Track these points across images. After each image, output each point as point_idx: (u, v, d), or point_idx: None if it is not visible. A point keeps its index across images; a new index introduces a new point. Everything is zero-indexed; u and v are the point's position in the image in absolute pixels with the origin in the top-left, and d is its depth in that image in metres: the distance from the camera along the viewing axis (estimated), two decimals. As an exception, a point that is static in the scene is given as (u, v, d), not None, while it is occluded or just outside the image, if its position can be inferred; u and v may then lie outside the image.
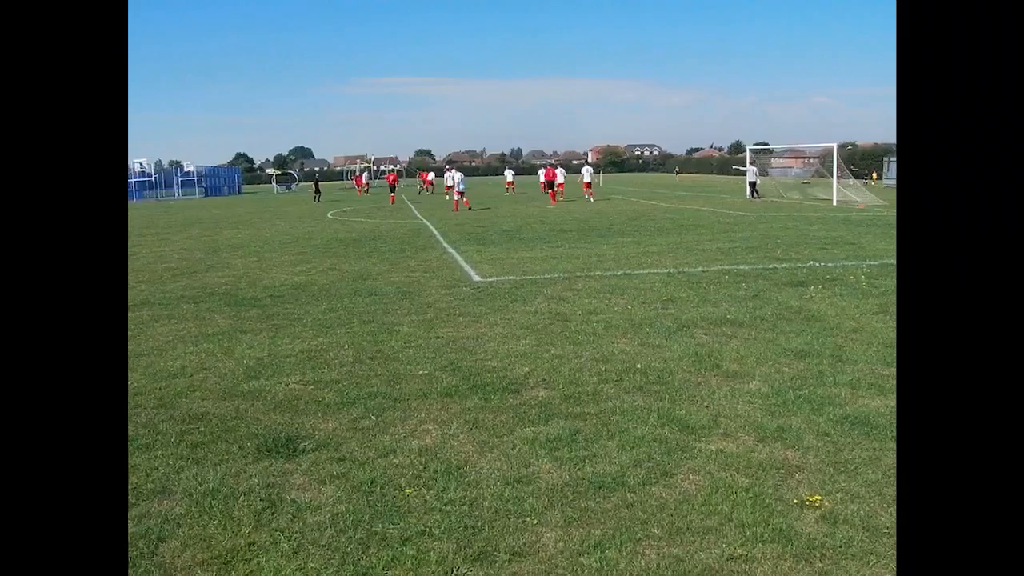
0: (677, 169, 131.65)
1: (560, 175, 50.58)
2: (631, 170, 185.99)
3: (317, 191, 61.83)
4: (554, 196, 48.04)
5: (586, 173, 52.36)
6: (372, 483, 5.84)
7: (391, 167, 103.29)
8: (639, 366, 8.73)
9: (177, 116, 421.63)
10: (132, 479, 6.09)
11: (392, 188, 55.52)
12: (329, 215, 41.35)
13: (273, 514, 5.42)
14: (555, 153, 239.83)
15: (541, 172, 58.49)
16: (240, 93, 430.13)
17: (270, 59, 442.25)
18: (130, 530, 5.25)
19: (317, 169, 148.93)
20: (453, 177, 44.78)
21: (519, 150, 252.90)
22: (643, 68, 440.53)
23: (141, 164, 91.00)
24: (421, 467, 6.12)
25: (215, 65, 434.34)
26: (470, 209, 40.81)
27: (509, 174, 67.98)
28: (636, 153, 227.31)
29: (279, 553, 4.90)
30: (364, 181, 79.16)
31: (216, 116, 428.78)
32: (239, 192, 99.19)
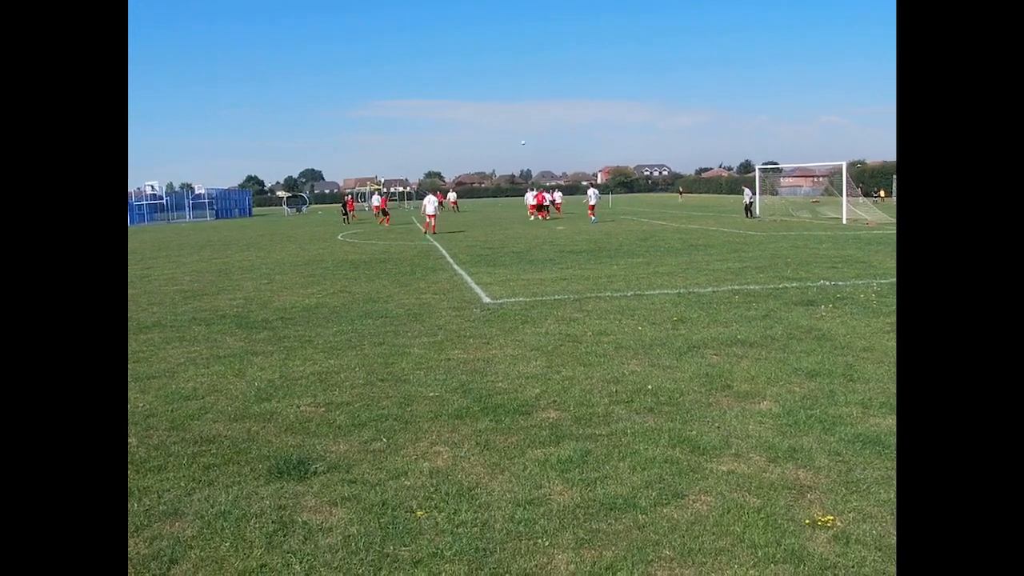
0: (680, 189, 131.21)
1: (558, 196, 57.22)
2: (640, 191, 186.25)
3: (345, 212, 61.60)
4: (545, 215, 53.94)
5: (592, 195, 53.03)
6: (383, 505, 5.84)
7: (400, 189, 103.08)
8: (650, 387, 8.72)
9: (188, 139, 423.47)
10: (144, 501, 6.11)
11: (383, 212, 55.41)
12: (340, 237, 41.44)
13: (285, 536, 5.43)
14: (564, 174, 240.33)
15: (530, 195, 59.55)
16: (251, 116, 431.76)
17: (281, 82, 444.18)
18: (142, 552, 5.27)
19: (327, 191, 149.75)
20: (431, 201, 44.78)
21: (529, 172, 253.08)
22: (653, 89, 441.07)
23: (152, 187, 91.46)
24: (432, 489, 6.12)
25: (226, 88, 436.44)
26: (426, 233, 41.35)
27: (530, 196, 59.46)
28: (645, 174, 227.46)
29: (291, 575, 4.90)
30: (383, 204, 78.34)
31: (227, 139, 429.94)
32: (250, 214, 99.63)
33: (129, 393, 9.31)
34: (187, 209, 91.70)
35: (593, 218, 49.05)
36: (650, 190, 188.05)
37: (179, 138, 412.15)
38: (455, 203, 75.51)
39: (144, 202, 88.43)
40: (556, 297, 16.09)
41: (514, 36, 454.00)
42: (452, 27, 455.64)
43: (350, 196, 75.74)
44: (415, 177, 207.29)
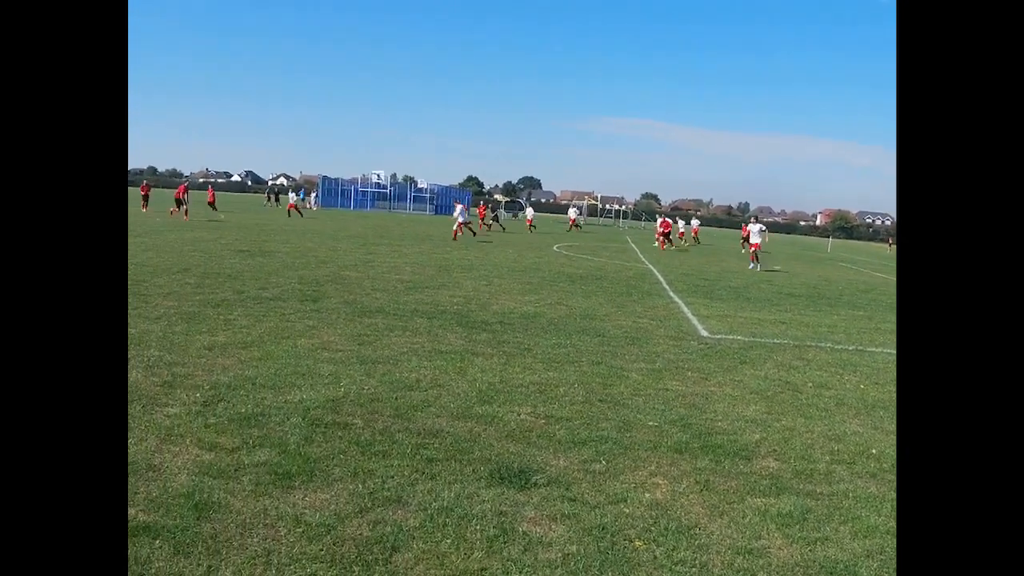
0: (890, 240, 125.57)
1: (681, 225, 63.05)
2: (861, 238, 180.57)
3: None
4: (663, 244, 52.83)
5: (757, 232, 40.93)
6: (602, 529, 5.88)
7: (616, 207, 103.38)
8: (873, 451, 8.44)
9: (413, 135, 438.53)
10: (368, 483, 6.36)
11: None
12: (555, 248, 41.91)
13: (505, 543, 5.54)
14: (783, 212, 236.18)
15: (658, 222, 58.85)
16: (476, 119, 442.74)
17: (509, 87, 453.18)
18: (365, 534, 5.48)
19: (544, 200, 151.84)
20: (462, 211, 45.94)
21: (746, 204, 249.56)
22: (880, 131, 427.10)
23: (378, 176, 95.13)
24: (651, 521, 6.12)
25: (457, 86, 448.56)
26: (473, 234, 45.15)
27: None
28: (867, 221, 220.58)
29: (511, 584, 5.01)
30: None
31: (451, 139, 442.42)
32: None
33: (355, 375, 9.70)
34: (408, 201, 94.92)
35: (752, 263, 38.37)
36: (871, 239, 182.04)
37: (405, 133, 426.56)
38: (530, 220, 73.82)
39: (369, 189, 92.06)
40: (775, 340, 15.74)
41: (743, 67, 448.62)
42: (681, 51, 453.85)
43: (482, 204, 75.69)
44: (632, 196, 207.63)
